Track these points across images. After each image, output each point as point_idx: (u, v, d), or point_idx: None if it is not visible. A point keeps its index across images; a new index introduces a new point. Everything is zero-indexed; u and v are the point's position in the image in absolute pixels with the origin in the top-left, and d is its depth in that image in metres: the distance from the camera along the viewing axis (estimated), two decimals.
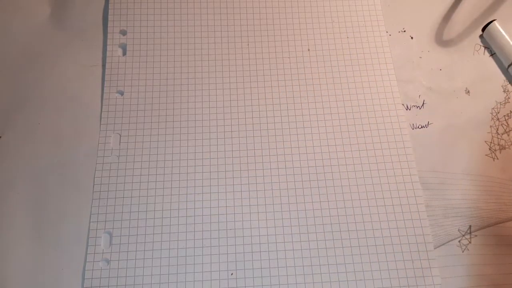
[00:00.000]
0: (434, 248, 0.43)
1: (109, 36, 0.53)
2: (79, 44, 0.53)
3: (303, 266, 0.42)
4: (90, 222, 0.44)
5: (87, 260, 0.42)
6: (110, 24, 0.53)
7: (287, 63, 0.52)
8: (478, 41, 0.54)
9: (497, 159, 0.48)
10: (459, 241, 0.43)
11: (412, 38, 0.54)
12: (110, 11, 0.54)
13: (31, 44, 0.53)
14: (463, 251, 0.43)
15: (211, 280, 0.42)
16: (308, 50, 0.53)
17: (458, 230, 0.44)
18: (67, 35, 0.53)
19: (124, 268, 0.42)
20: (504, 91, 0.51)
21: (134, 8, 0.54)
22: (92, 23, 0.54)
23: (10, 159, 0.47)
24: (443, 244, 0.43)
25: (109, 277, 0.42)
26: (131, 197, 0.45)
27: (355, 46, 0.53)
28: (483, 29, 0.53)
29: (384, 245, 0.43)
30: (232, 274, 0.42)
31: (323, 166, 0.47)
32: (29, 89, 0.50)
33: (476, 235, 0.44)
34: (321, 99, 0.50)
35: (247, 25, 0.55)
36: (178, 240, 0.43)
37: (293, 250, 0.43)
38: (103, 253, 0.43)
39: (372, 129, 0.49)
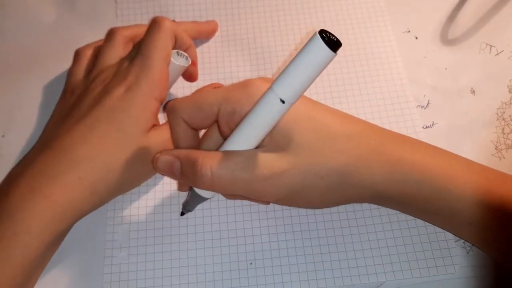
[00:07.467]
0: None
1: None
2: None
3: (321, 253, 0.42)
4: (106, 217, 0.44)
5: (105, 248, 0.42)
6: None
7: None
8: (484, 40, 0.55)
9: (504, 158, 0.48)
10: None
11: (416, 38, 0.55)
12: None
13: (33, 44, 0.53)
14: (467, 253, 0.43)
15: (230, 270, 0.41)
16: None
17: None
18: (69, 35, 0.54)
19: (143, 253, 0.42)
20: (510, 91, 0.51)
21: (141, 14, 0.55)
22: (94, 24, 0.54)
23: (12, 158, 0.46)
24: None
25: (128, 263, 0.41)
26: (147, 185, 0.45)
27: (363, 45, 0.54)
28: None
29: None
30: (251, 263, 0.41)
31: None
32: (31, 89, 0.50)
33: None
34: (331, 95, 0.50)
35: (252, 18, 0.55)
36: (195, 233, 0.43)
37: (310, 238, 0.43)
38: (121, 242, 0.42)
39: (384, 123, 0.49)
